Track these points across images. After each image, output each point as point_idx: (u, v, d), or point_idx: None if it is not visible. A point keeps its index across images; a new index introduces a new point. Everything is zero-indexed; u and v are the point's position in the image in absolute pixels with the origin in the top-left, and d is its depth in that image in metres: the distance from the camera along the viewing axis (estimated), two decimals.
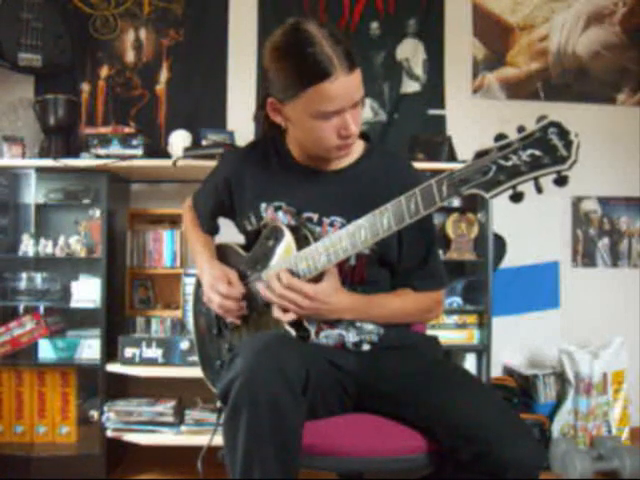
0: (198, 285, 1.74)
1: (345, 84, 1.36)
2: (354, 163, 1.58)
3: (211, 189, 1.73)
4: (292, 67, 1.37)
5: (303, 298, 1.41)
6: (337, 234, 1.40)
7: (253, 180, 1.62)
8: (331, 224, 1.52)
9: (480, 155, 1.18)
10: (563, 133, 1.11)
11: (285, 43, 1.39)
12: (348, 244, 1.38)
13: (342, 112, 1.40)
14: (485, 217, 2.89)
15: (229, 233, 1.79)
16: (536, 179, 1.14)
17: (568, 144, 1.10)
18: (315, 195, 1.55)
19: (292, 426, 1.26)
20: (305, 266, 1.44)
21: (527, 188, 1.17)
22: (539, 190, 1.15)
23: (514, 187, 1.15)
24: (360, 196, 1.52)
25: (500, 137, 1.16)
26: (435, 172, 1.33)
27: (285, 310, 1.45)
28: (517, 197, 1.16)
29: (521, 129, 1.14)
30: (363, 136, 1.62)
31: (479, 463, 1.26)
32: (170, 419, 2.73)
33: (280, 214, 1.56)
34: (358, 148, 1.59)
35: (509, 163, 1.14)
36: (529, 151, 1.13)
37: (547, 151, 1.11)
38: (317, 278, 1.44)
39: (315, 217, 1.54)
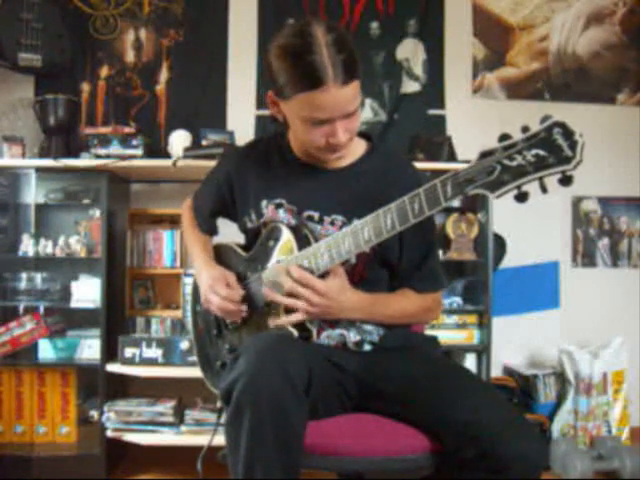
0: (196, 286, 1.73)
1: (337, 95, 1.35)
2: (356, 162, 1.57)
3: (212, 187, 1.73)
4: (289, 70, 1.36)
5: (314, 294, 1.40)
6: (340, 234, 1.40)
7: (254, 177, 1.61)
8: (332, 222, 1.52)
9: (484, 155, 1.17)
10: (568, 133, 1.11)
11: (288, 45, 1.38)
12: (351, 244, 1.38)
13: (332, 121, 1.39)
14: (485, 217, 2.89)
15: (229, 233, 1.78)
16: (541, 179, 1.14)
17: (573, 144, 1.10)
18: (316, 193, 1.55)
19: (295, 426, 1.26)
20: (307, 266, 1.43)
21: (528, 187, 1.17)
22: (544, 190, 1.15)
23: (519, 187, 1.15)
24: (361, 195, 1.52)
25: (504, 137, 1.16)
26: (435, 172, 1.32)
27: (289, 311, 1.44)
28: (522, 197, 1.16)
29: (525, 129, 1.14)
30: (365, 136, 1.62)
31: (482, 461, 1.26)
32: (170, 419, 2.72)
33: (281, 212, 1.56)
34: (360, 147, 1.59)
35: (514, 163, 1.14)
36: (534, 151, 1.13)
37: (552, 151, 1.11)
38: (321, 277, 1.43)
39: (316, 215, 1.54)
